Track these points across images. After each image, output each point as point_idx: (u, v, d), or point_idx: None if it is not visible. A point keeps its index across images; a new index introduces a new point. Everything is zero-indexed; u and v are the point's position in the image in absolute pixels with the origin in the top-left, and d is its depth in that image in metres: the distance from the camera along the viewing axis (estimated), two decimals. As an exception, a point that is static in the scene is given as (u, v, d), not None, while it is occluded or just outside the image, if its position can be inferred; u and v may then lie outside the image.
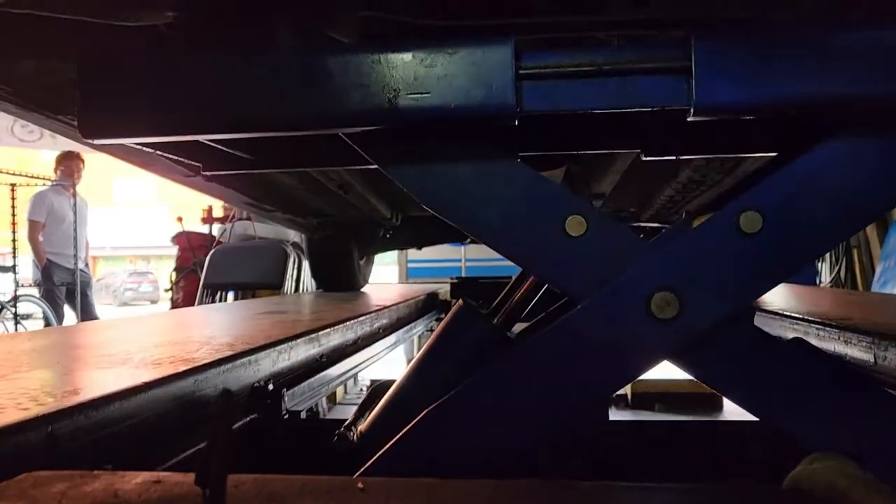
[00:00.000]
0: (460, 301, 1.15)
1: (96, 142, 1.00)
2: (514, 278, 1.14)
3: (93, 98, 0.99)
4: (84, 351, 1.67)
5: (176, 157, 1.30)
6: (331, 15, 1.08)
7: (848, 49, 0.93)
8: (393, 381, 1.45)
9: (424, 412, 1.02)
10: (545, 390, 0.99)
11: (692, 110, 0.93)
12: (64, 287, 6.26)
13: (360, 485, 0.69)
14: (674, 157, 1.33)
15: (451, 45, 0.96)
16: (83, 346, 1.75)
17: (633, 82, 0.94)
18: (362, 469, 1.04)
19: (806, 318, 2.16)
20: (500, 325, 1.10)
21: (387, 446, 1.03)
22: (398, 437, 1.02)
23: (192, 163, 1.35)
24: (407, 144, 1.06)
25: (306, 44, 1.02)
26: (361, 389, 5.88)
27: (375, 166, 1.08)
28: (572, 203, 1.05)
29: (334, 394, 5.31)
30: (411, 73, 0.96)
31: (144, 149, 1.62)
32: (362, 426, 1.19)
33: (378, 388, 1.40)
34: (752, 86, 0.93)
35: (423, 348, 1.16)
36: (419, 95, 0.96)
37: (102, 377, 1.29)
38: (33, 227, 6.23)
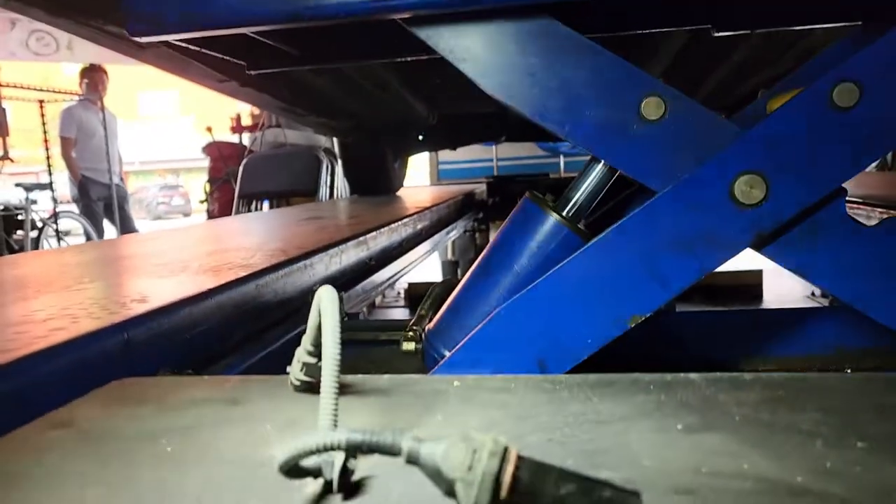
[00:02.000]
0: (527, 194, 1.10)
1: (143, 40, 0.94)
2: (585, 165, 1.08)
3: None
4: (139, 261, 1.67)
5: (220, 56, 1.23)
6: None
7: None
8: (448, 281, 1.43)
9: (497, 310, 1.00)
10: (623, 285, 0.96)
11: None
12: (102, 202, 6.27)
13: (455, 383, 0.67)
14: (748, 31, 1.23)
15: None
16: (137, 257, 1.76)
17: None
18: (436, 368, 1.03)
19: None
20: (571, 218, 1.06)
21: (459, 344, 1.01)
22: (471, 334, 1.00)
23: (237, 61, 1.28)
24: (472, 28, 0.99)
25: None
26: (399, 294, 5.96)
27: (414, 60, 1.02)
28: (649, 83, 0.97)
29: (373, 301, 5.39)
30: (474, -55, 0.87)
31: (183, 56, 1.55)
32: (428, 326, 1.18)
33: (439, 286, 1.38)
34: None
35: (490, 244, 1.12)
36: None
37: (166, 285, 1.29)
38: (65, 143, 6.20)
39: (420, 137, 3.79)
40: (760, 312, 1.37)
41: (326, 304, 0.50)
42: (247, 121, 5.94)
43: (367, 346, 1.40)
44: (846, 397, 0.58)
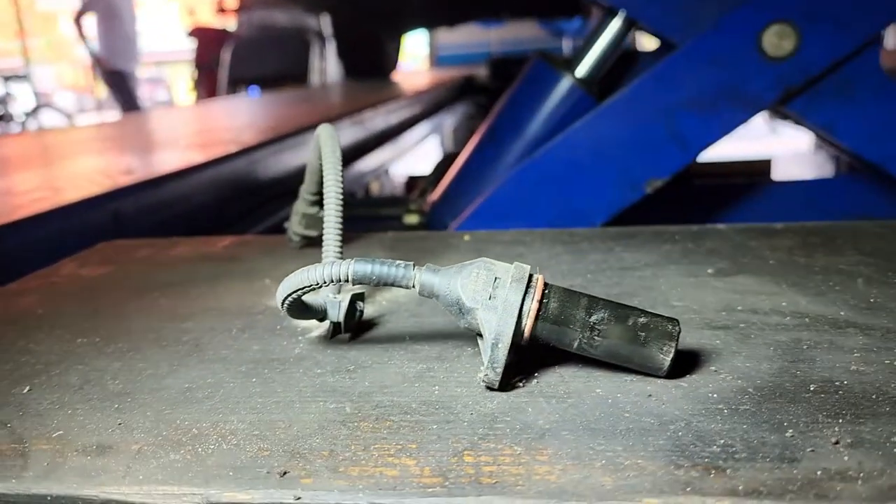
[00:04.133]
0: (537, 54, 1.03)
1: None
2: (597, 22, 1.00)
3: None
4: (128, 140, 1.60)
5: None
6: None
7: None
8: (450, 155, 1.36)
9: (511, 171, 0.95)
10: (640, 146, 0.91)
11: None
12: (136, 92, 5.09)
13: (466, 237, 0.63)
14: None
15: None
16: (126, 136, 1.68)
17: None
18: (450, 228, 0.99)
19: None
20: (585, 79, 0.98)
21: (466, 212, 0.97)
22: (479, 202, 0.96)
23: None
24: None
25: None
26: (395, 186, 5.87)
27: None
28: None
29: (367, 189, 5.26)
30: None
31: None
32: (432, 197, 1.13)
33: (441, 161, 1.32)
34: None
35: (497, 108, 1.05)
36: None
37: (154, 159, 1.23)
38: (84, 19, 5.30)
39: (415, 15, 3.58)
40: (779, 184, 1.32)
41: (326, 139, 0.45)
42: (231, 4, 5.60)
43: (367, 223, 1.35)
44: (883, 241, 0.54)
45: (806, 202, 1.17)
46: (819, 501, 0.25)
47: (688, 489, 0.26)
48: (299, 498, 0.27)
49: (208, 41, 4.96)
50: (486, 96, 3.40)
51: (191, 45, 5.20)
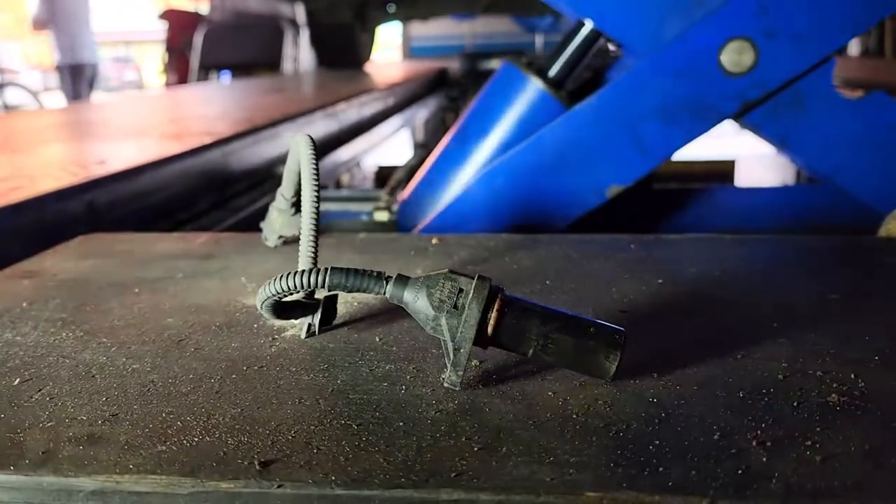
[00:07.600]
0: (507, 59, 1.06)
1: None
2: (568, 30, 1.03)
3: None
4: (99, 127, 1.60)
5: None
6: None
7: None
8: (422, 155, 1.39)
9: (479, 174, 0.98)
10: (604, 153, 0.94)
11: None
12: (90, 80, 4.83)
13: (434, 240, 0.66)
14: None
15: None
16: (97, 122, 1.67)
17: None
18: (418, 229, 1.02)
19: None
20: (553, 84, 1.02)
21: (434, 213, 1.00)
22: (446, 203, 0.99)
23: None
24: None
25: None
26: (365, 177, 5.86)
27: None
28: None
29: (338, 181, 5.24)
30: None
31: None
32: (401, 196, 1.16)
33: (413, 159, 1.34)
34: None
35: (467, 111, 1.08)
36: None
37: (127, 149, 1.23)
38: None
39: (391, 7, 3.59)
40: (733, 190, 1.37)
41: (304, 149, 0.48)
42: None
43: (337, 217, 1.38)
44: (818, 257, 0.59)
45: (758, 210, 1.22)
46: (736, 498, 0.29)
47: (624, 485, 0.30)
48: (281, 486, 0.30)
49: (180, 24, 4.89)
50: (458, 89, 3.44)
51: (162, 27, 5.12)
